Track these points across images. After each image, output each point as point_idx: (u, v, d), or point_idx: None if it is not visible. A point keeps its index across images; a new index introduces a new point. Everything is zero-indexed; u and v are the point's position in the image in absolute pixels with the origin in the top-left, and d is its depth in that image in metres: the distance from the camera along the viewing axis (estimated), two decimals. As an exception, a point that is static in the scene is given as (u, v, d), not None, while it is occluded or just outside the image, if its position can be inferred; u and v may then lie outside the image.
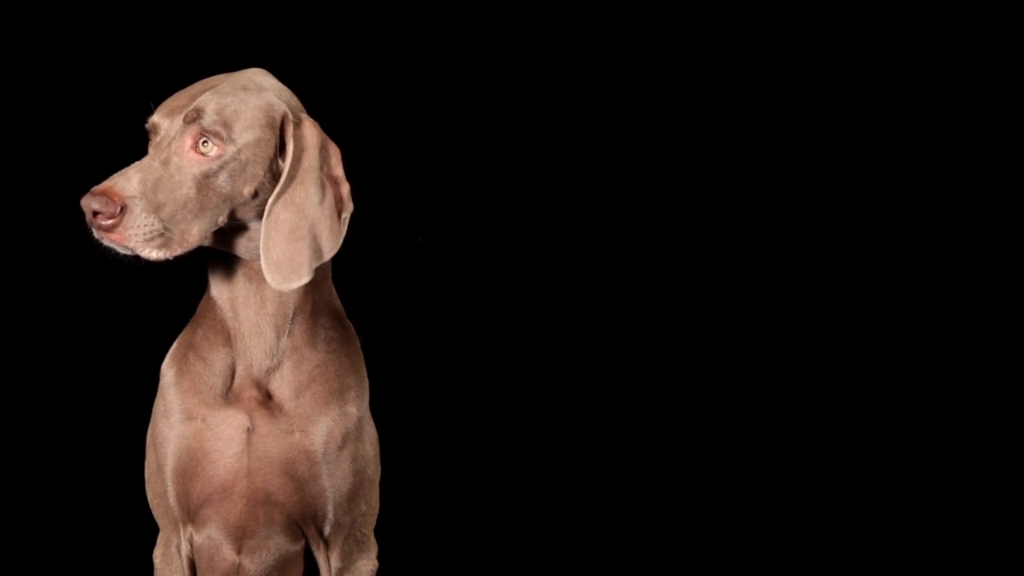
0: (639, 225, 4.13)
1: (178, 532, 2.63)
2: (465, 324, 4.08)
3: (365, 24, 4.08)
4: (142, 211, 2.40)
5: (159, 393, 2.65)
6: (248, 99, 2.50)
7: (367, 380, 2.68)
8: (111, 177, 2.44)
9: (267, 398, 2.57)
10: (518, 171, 4.11)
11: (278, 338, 2.58)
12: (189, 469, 2.57)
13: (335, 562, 2.65)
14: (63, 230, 3.97)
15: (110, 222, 2.40)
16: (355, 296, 2.75)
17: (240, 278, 2.56)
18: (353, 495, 2.61)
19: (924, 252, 4.12)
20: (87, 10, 3.98)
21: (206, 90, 2.50)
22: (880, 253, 4.14)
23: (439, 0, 4.10)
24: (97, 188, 2.42)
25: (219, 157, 2.46)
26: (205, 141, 2.46)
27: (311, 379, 2.58)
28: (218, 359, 2.59)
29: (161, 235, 2.42)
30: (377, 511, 2.69)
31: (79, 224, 2.45)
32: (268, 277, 2.49)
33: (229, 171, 2.47)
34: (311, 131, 2.54)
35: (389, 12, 4.09)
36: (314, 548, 2.64)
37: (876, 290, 4.14)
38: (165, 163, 2.45)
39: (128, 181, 2.42)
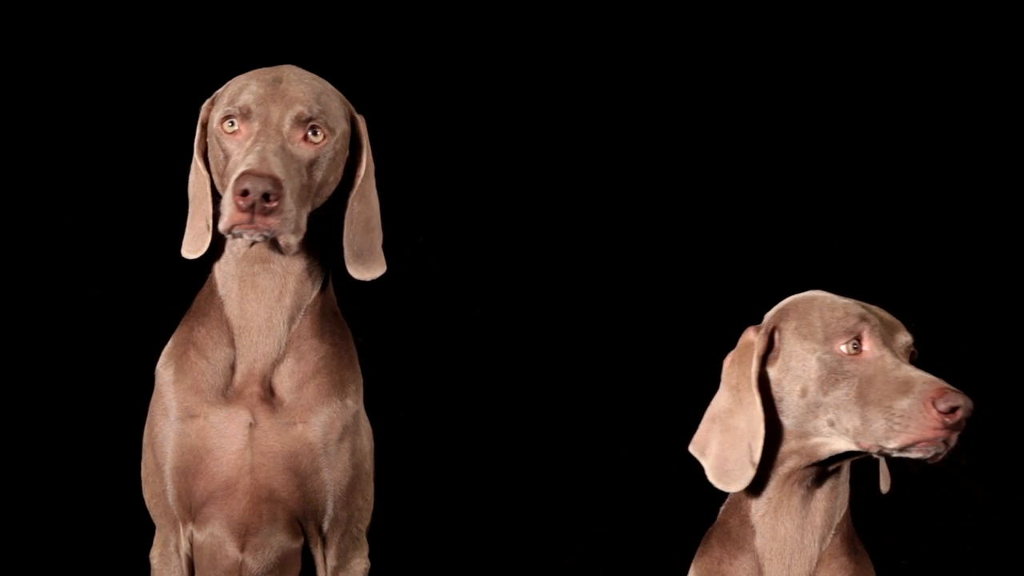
0: (640, 225, 4.13)
1: (177, 531, 2.62)
2: (465, 324, 4.08)
3: (363, 24, 4.08)
4: (289, 195, 2.39)
5: (156, 392, 2.64)
6: (329, 91, 2.55)
7: (361, 375, 2.69)
8: (254, 156, 2.38)
9: (269, 393, 2.57)
10: (518, 172, 4.11)
11: (288, 330, 2.58)
12: (191, 467, 2.57)
13: (331, 560, 2.65)
14: (62, 229, 3.97)
15: (275, 204, 2.36)
16: (355, 296, 2.76)
17: (259, 272, 2.55)
18: (351, 489, 2.61)
19: (925, 253, 4.12)
20: (87, 11, 3.99)
21: (277, 80, 2.50)
22: (881, 255, 4.14)
23: (437, 1, 4.10)
24: (258, 169, 2.35)
25: (326, 144, 2.49)
26: (315, 129, 2.47)
27: (316, 371, 2.59)
28: (221, 357, 2.58)
29: (297, 220, 2.42)
30: (372, 508, 2.68)
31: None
32: (353, 271, 2.55)
33: (329, 158, 2.50)
34: (363, 124, 2.62)
35: (386, 12, 4.09)
36: (312, 546, 2.64)
37: (877, 292, 4.14)
38: (283, 149, 2.43)
39: (276, 164, 2.38)
